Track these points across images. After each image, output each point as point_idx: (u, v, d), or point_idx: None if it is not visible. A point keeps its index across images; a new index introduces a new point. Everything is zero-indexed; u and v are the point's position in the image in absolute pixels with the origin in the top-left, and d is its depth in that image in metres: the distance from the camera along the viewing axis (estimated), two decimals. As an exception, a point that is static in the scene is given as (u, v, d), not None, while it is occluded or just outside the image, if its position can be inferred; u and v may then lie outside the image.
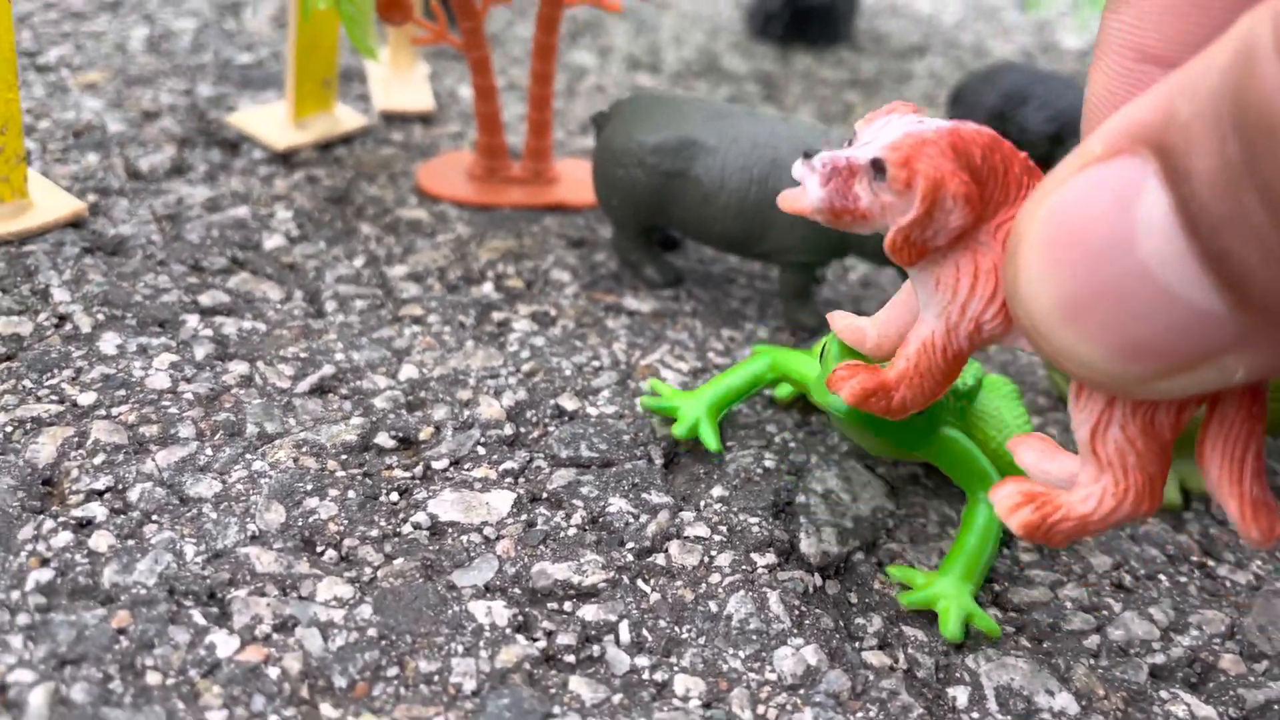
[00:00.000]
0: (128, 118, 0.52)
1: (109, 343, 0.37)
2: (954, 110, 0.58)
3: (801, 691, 0.29)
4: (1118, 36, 0.23)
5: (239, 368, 0.37)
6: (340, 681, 0.27)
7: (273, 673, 0.27)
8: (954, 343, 0.24)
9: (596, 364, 0.40)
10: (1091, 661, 0.32)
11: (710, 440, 0.36)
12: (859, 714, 0.29)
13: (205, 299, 0.40)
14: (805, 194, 0.24)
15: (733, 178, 0.41)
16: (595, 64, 0.69)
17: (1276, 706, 0.31)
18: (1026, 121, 0.55)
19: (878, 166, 0.23)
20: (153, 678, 0.26)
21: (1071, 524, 0.23)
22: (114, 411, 0.34)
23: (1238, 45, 0.16)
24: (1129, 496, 0.23)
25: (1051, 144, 0.54)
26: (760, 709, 0.28)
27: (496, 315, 0.42)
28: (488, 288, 0.44)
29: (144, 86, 0.56)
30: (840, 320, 0.28)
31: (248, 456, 0.33)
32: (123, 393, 0.35)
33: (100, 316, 0.38)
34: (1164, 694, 0.31)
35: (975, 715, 0.29)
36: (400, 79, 0.59)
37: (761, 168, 0.41)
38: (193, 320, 0.39)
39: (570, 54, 0.70)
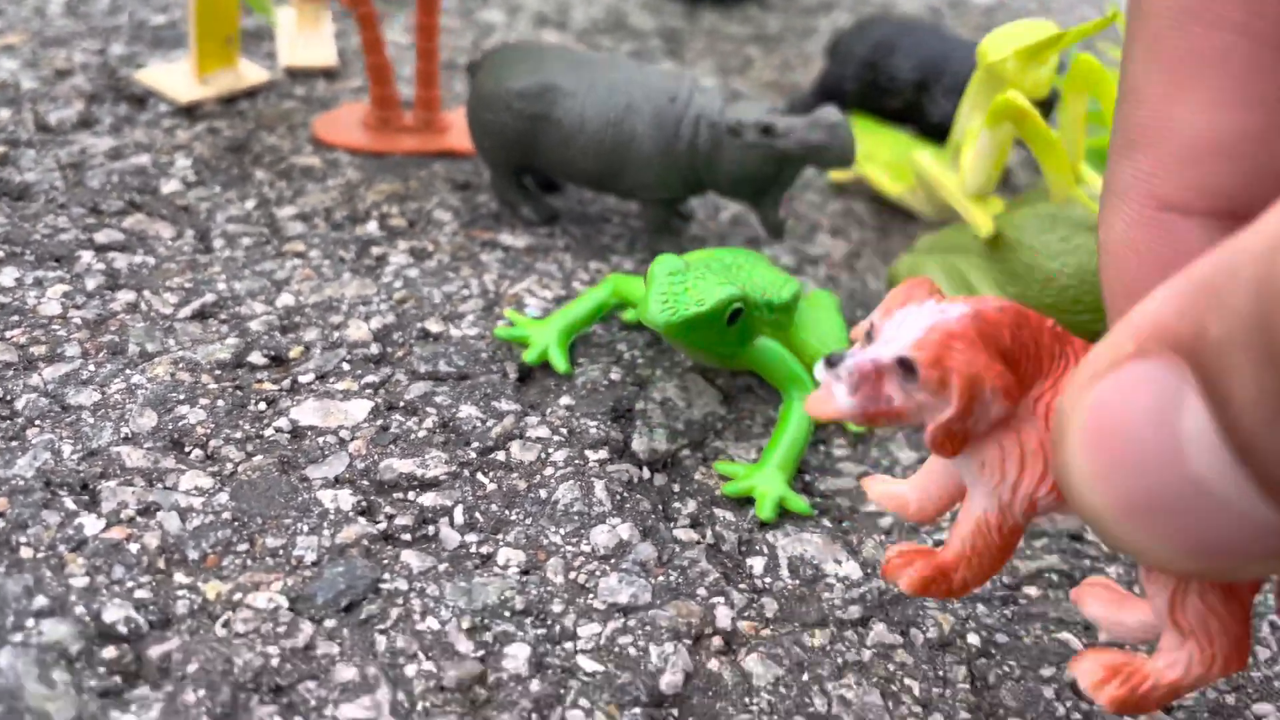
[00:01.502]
0: (41, 76, 0.55)
1: (7, 276, 0.41)
2: (830, 61, 0.61)
3: (612, 560, 0.33)
4: (1135, 184, 0.23)
5: (126, 296, 0.40)
6: (193, 555, 0.31)
7: (133, 548, 0.31)
8: (1009, 520, 0.24)
9: (466, 292, 0.44)
10: (882, 537, 0.35)
11: (559, 362, 0.40)
12: (660, 578, 0.32)
13: (101, 237, 0.44)
14: (834, 400, 0.22)
15: (591, 121, 0.45)
16: (504, 21, 0.73)
17: (1047, 575, 0.35)
18: (894, 70, 0.58)
19: (907, 367, 0.22)
20: (25, 552, 0.30)
21: (1162, 692, 0.24)
22: (7, 335, 0.38)
23: (1265, 270, 0.16)
24: (1217, 662, 0.23)
25: (917, 91, 0.58)
26: (572, 575, 0.32)
27: (376, 250, 0.46)
28: (371, 226, 0.47)
29: (59, 47, 0.58)
30: (878, 487, 0.28)
31: (127, 372, 0.37)
32: (16, 319, 0.38)
33: (0, 254, 0.42)
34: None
35: (767, 580, 0.33)
36: (306, 36, 0.62)
37: (617, 112, 0.44)
38: (87, 256, 0.42)
39: (480, 11, 0.73)
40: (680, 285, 0.34)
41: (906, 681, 0.31)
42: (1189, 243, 0.23)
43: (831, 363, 0.22)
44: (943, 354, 0.21)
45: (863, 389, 0.22)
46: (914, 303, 0.22)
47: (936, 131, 0.57)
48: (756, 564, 0.34)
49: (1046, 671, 0.32)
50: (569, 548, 0.33)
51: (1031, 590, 0.34)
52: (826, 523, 0.36)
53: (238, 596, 0.30)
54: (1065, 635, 0.33)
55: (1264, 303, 0.15)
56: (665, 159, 0.44)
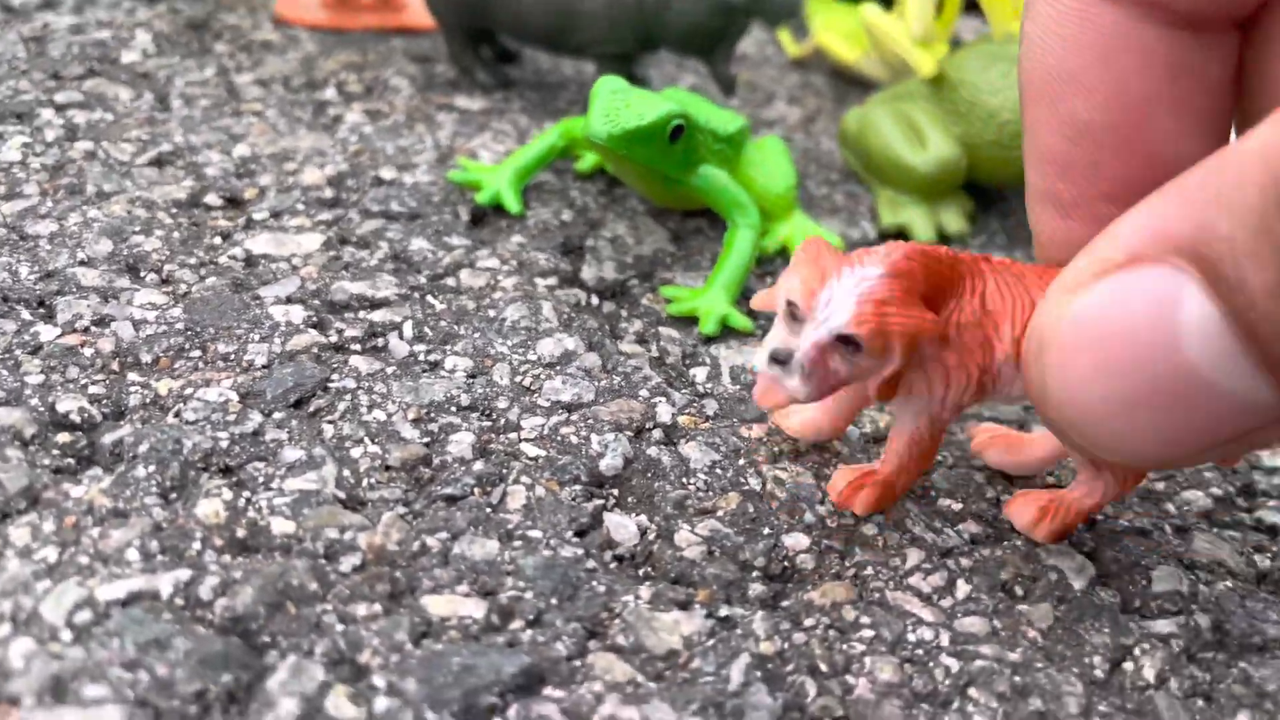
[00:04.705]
0: (1, -38, 0.55)
1: (-34, 130, 0.41)
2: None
3: (557, 367, 0.34)
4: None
5: (85, 145, 0.41)
6: (146, 358, 0.32)
7: (87, 352, 0.31)
8: (938, 426, 0.27)
9: (420, 146, 0.44)
10: (824, 352, 0.36)
11: (511, 203, 0.40)
12: (603, 382, 0.33)
13: (60, 97, 0.44)
14: (786, 390, 0.24)
15: (542, -24, 0.45)
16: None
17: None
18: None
19: (851, 343, 0.23)
20: (-19, 355, 0.31)
21: (1083, 516, 0.28)
22: (-35, 177, 0.38)
23: (1273, 166, 0.17)
24: (1129, 482, 0.28)
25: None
26: (518, 378, 0.33)
27: (332, 111, 0.46)
28: (329, 92, 0.48)
29: (20, -61, 0.59)
30: (792, 420, 0.31)
31: (84, 208, 0.38)
32: (-26, 164, 0.39)
33: (-40, 111, 0.42)
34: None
35: (709, 385, 0.34)
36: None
37: (567, -33, 0.45)
38: (47, 113, 0.43)
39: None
40: (623, 101, 0.35)
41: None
42: (1118, 30, 0.24)
43: (779, 359, 0.24)
44: (880, 323, 0.23)
45: (815, 374, 0.24)
46: (833, 277, 0.24)
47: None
48: (699, 373, 0.35)
49: (978, 461, 0.33)
50: (515, 356, 0.34)
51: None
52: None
53: (189, 391, 0.30)
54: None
55: (1272, 196, 0.17)
56: (614, 11, 0.45)
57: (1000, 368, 0.25)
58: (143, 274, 0.35)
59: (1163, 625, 0.28)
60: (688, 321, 0.37)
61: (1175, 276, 0.20)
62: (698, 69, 0.56)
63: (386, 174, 0.42)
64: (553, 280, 0.38)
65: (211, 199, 0.39)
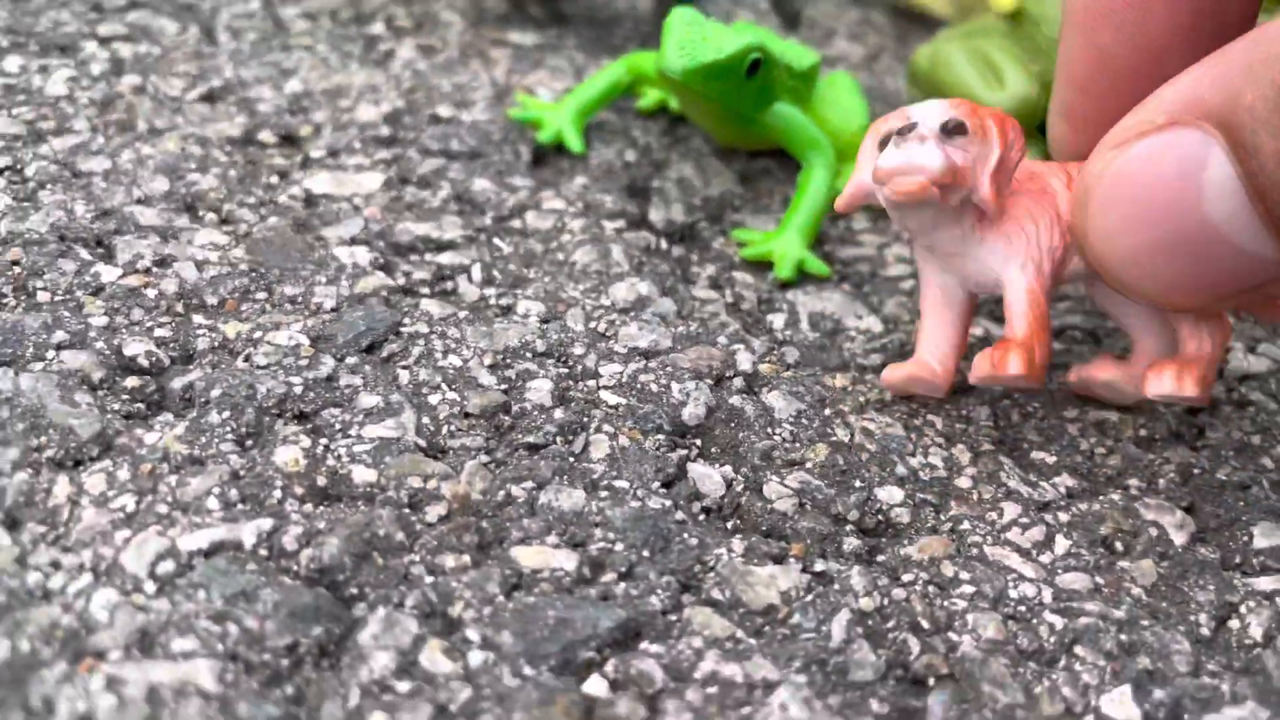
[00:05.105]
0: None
1: (11, 64, 0.40)
2: None
3: (632, 313, 0.32)
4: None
5: (133, 80, 0.40)
6: (211, 300, 0.31)
7: (150, 293, 0.30)
8: (1044, 280, 0.27)
9: (475, 84, 0.43)
10: (904, 298, 0.35)
11: (574, 142, 0.39)
12: (680, 328, 0.32)
13: (104, 29, 0.43)
14: (922, 160, 0.25)
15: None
16: None
17: (1070, 332, 0.35)
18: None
19: (956, 127, 0.26)
20: (42, 296, 0.30)
21: (1214, 365, 0.28)
22: (13, 112, 0.37)
23: None
24: (1227, 326, 0.28)
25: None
26: (592, 324, 0.32)
27: (383, 46, 0.45)
28: (378, 26, 0.46)
29: None
30: (896, 374, 0.30)
31: (137, 144, 0.36)
32: (22, 98, 0.38)
33: (4, 43, 0.41)
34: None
35: (788, 333, 0.33)
36: None
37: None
38: (91, 46, 0.42)
39: None
40: (699, 33, 0.33)
41: (929, 418, 0.30)
42: None
43: (903, 133, 0.26)
44: (973, 108, 0.27)
45: (940, 149, 0.26)
46: (919, 106, 0.27)
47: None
48: (777, 320, 0.34)
49: (1070, 412, 0.31)
50: (589, 300, 0.33)
51: (1058, 345, 0.34)
52: (847, 287, 0.35)
53: (258, 335, 0.29)
54: (1088, 383, 0.32)
55: None
56: (677, -59, 0.43)
57: (1066, 214, 0.28)
58: (201, 213, 0.34)
59: (1266, 582, 0.27)
60: (762, 266, 0.36)
61: (1204, 139, 0.22)
62: (756, 3, 0.55)
63: (444, 111, 0.41)
64: (620, 223, 0.36)
65: (266, 136, 0.38)
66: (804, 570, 0.25)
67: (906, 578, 0.26)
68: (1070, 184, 0.28)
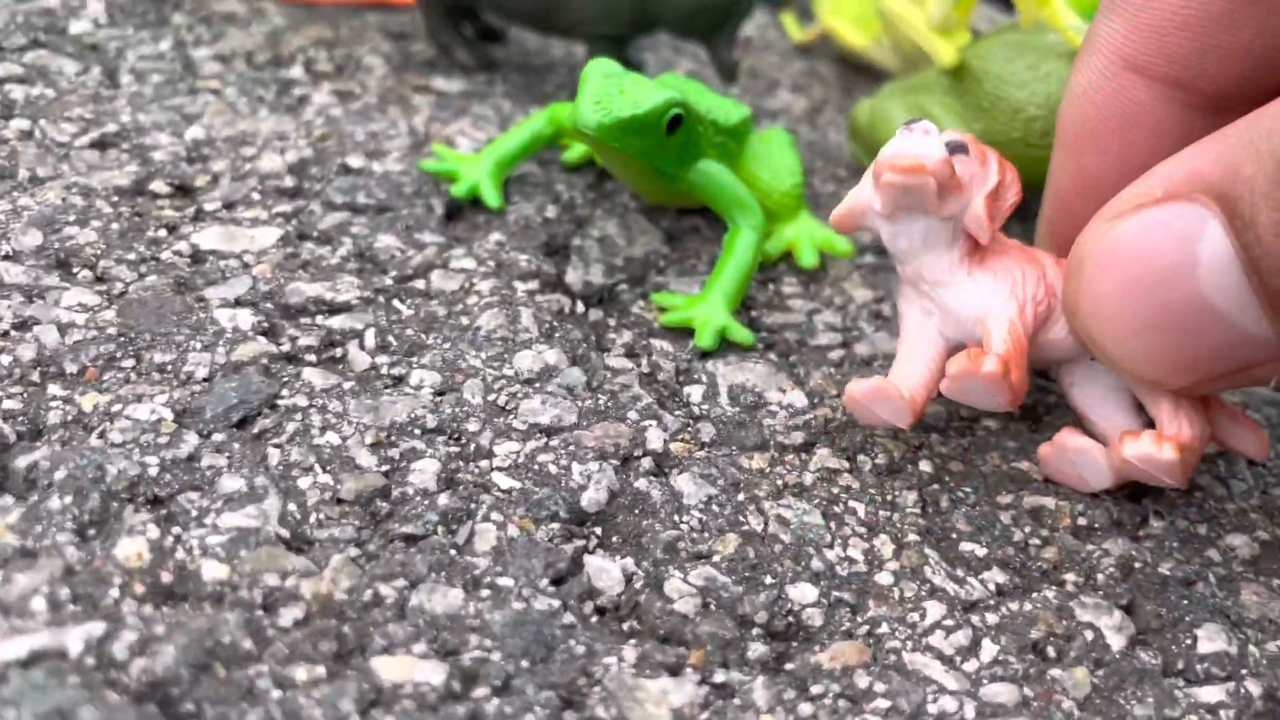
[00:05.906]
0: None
1: (-111, 104, 0.37)
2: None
3: (536, 384, 0.30)
4: (1106, 43, 0.26)
5: (20, 124, 0.37)
6: (71, 368, 0.28)
7: (4, 360, 0.28)
8: (1027, 323, 0.27)
9: (392, 132, 0.41)
10: (832, 369, 0.33)
11: (490, 197, 0.37)
12: (587, 402, 0.30)
13: (-3, 70, 0.40)
14: (924, 145, 0.26)
15: (529, -53, 0.41)
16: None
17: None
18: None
19: (958, 146, 0.27)
20: (-120, 362, 0.27)
21: (1191, 450, 0.26)
22: (-118, 157, 0.34)
23: None
24: (1205, 411, 0.27)
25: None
26: (491, 396, 0.29)
27: (298, 91, 0.43)
28: (295, 70, 0.44)
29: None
30: (862, 385, 0.28)
31: (14, 194, 0.34)
32: (-107, 142, 0.35)
33: (-116, 83, 0.38)
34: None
35: (705, 407, 0.31)
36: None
37: (556, -62, 0.41)
38: (-20, 87, 0.39)
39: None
40: (616, 86, 0.31)
41: (851, 504, 0.28)
42: (1142, 102, 0.26)
43: (909, 125, 0.26)
44: (972, 141, 0.27)
45: (944, 146, 0.26)
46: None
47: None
48: (694, 392, 0.31)
49: (1004, 498, 0.29)
50: (490, 370, 0.30)
51: (990, 423, 0.32)
52: (772, 356, 0.33)
53: (117, 408, 0.27)
54: (1024, 464, 0.30)
55: None
56: (609, -12, 0.41)
57: (1052, 282, 0.27)
58: (74, 270, 0.31)
59: (1210, 693, 0.25)
60: (682, 333, 0.33)
61: (1201, 213, 0.22)
62: (696, 53, 0.53)
63: (354, 161, 0.38)
64: (534, 284, 0.34)
65: (158, 186, 0.35)
66: (702, 682, 0.23)
67: (816, 690, 0.23)
68: (1059, 263, 0.28)
